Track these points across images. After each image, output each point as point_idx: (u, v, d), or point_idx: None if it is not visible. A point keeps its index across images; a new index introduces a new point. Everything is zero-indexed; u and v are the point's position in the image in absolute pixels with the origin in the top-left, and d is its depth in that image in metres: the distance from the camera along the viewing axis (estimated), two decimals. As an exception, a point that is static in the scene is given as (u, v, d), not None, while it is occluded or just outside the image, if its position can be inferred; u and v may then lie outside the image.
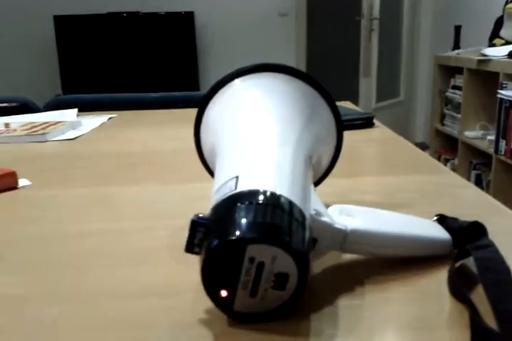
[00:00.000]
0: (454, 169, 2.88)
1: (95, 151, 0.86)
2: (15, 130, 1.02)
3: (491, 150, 2.47)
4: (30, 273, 0.40)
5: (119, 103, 1.53)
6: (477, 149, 2.69)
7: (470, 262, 0.36)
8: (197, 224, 0.30)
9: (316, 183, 0.49)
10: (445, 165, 2.92)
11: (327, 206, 0.37)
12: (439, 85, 3.19)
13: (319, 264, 0.38)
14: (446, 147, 3.21)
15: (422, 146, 3.72)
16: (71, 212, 0.54)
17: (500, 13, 2.82)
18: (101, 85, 3.88)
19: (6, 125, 1.07)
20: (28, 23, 3.95)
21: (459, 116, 2.88)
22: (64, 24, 3.83)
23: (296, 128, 0.42)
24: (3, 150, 0.90)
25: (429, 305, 0.33)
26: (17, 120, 1.17)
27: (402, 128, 4.02)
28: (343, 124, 0.47)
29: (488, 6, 3.23)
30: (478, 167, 2.80)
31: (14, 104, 1.42)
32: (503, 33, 2.72)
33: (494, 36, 2.79)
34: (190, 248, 0.30)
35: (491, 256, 0.36)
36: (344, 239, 0.36)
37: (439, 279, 0.36)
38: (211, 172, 0.49)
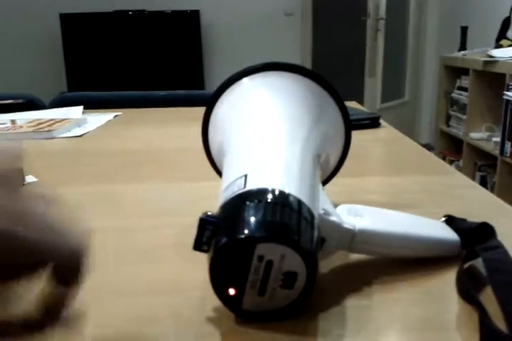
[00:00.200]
0: (458, 170, 2.87)
1: (101, 149, 0.86)
2: (21, 127, 1.02)
3: (496, 152, 2.46)
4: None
5: (124, 101, 1.53)
6: (482, 151, 2.68)
7: (479, 263, 0.36)
8: (205, 222, 0.30)
9: (324, 182, 0.48)
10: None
11: (334, 205, 0.37)
12: (444, 86, 3.18)
13: (327, 264, 0.38)
14: (451, 148, 3.20)
15: (427, 147, 3.69)
16: (76, 209, 0.54)
17: (507, 14, 2.81)
18: (106, 83, 3.88)
19: (13, 121, 1.07)
20: (34, 21, 3.96)
21: (465, 117, 2.87)
22: (70, 22, 3.83)
23: (304, 127, 0.42)
24: (9, 146, 0.90)
25: (438, 306, 0.33)
26: (23, 117, 1.17)
27: (407, 129, 4.01)
28: (351, 123, 0.46)
29: (495, 6, 3.21)
30: (482, 168, 2.79)
31: (20, 101, 1.42)
32: (510, 34, 2.71)
33: (501, 37, 2.78)
34: (198, 246, 0.30)
35: (500, 258, 0.35)
36: (352, 238, 0.36)
37: (447, 280, 0.36)
38: (218, 172, 0.49)
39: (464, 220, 0.41)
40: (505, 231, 0.40)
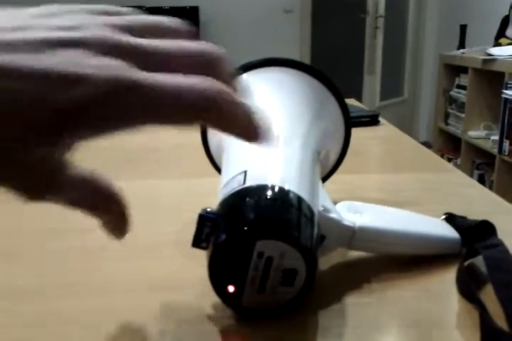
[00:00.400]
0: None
1: (99, 144, 0.86)
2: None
3: (495, 151, 2.46)
4: (39, 267, 0.40)
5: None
6: (480, 149, 2.68)
7: (479, 261, 0.36)
8: (205, 219, 0.30)
9: (323, 179, 0.48)
10: (448, 164, 2.91)
11: (334, 203, 0.37)
12: (443, 84, 3.18)
13: (327, 261, 0.38)
14: (450, 146, 3.21)
15: (426, 145, 3.70)
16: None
17: (506, 13, 2.81)
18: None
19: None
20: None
21: (463, 115, 2.87)
22: (68, 18, 3.83)
23: (304, 123, 0.41)
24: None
25: (438, 304, 0.33)
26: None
27: (405, 127, 4.01)
28: (351, 119, 0.46)
29: (495, 5, 3.21)
30: (481, 167, 2.79)
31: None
32: (509, 32, 2.71)
33: (500, 36, 2.78)
34: (197, 242, 0.30)
35: (501, 256, 0.35)
36: (352, 236, 0.35)
37: (447, 278, 0.36)
38: (217, 168, 0.48)
39: (464, 218, 0.41)
40: (505, 229, 0.40)
